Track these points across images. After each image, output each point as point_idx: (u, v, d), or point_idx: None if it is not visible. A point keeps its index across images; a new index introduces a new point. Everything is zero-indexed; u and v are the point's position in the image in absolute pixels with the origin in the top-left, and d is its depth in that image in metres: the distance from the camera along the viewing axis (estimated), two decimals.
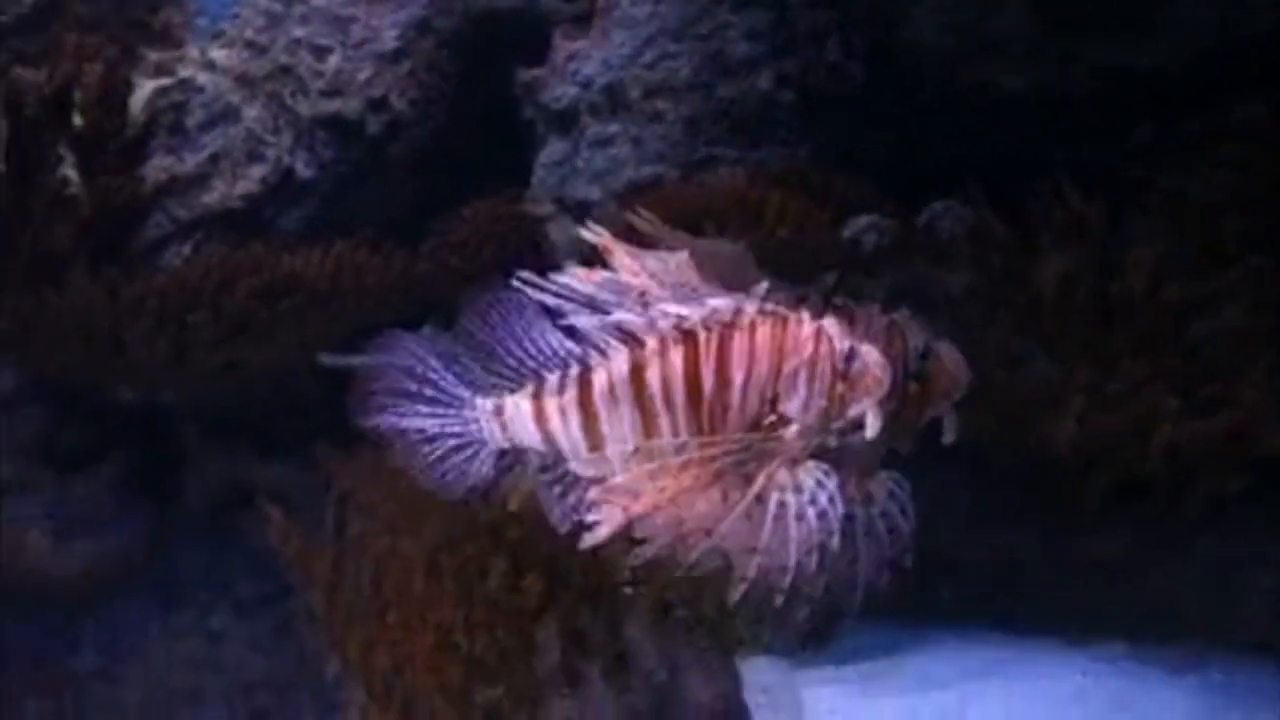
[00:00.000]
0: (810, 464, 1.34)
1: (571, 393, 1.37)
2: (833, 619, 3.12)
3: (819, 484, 1.33)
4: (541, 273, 1.37)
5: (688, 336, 1.33)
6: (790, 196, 2.83)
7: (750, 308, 1.34)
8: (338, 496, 2.20)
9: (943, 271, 3.12)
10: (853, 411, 1.36)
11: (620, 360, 1.35)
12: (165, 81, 3.33)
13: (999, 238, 3.36)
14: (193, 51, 3.38)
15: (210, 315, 2.58)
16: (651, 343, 1.34)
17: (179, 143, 3.25)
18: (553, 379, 1.40)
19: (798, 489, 1.32)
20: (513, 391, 1.44)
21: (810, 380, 1.34)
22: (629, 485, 1.32)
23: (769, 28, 3.22)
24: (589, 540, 1.34)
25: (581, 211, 3.25)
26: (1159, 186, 3.40)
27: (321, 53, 3.26)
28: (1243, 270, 3.20)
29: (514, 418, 1.43)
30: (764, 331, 1.34)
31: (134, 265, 2.96)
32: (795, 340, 1.35)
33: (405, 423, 1.50)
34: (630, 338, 1.36)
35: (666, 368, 1.34)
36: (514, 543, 1.99)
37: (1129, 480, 3.16)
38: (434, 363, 1.50)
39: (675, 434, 1.34)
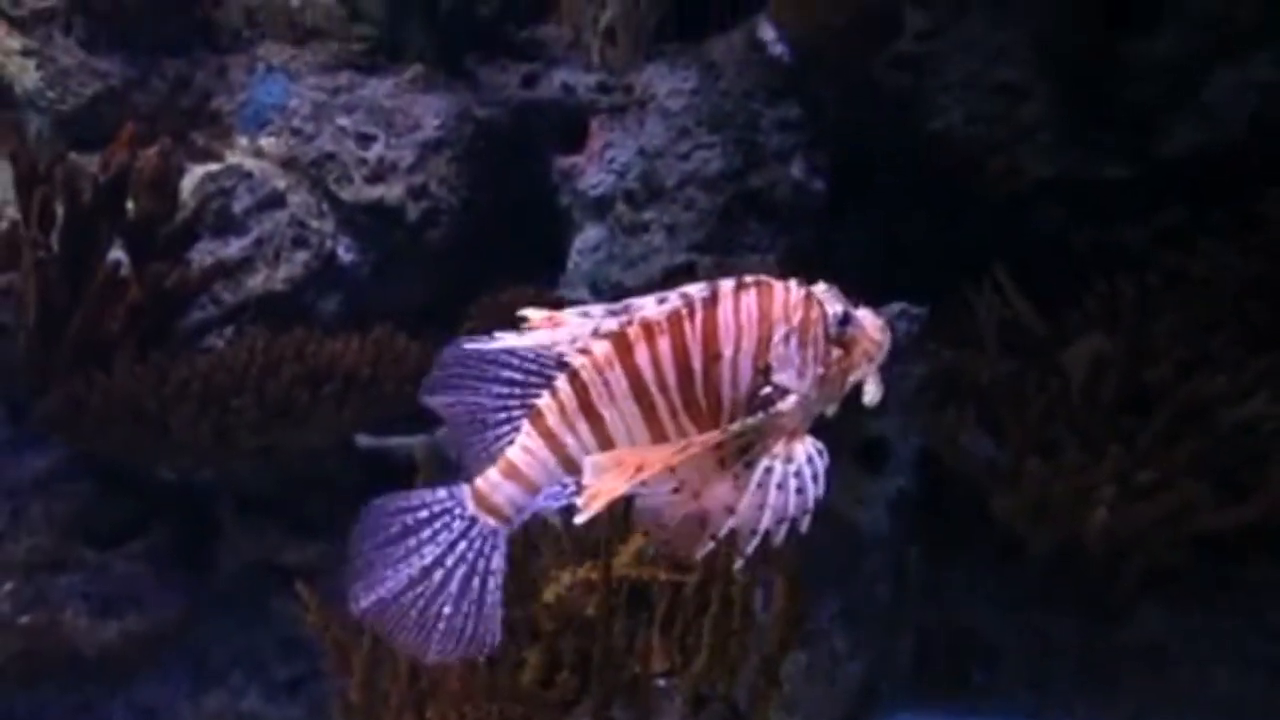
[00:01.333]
0: (809, 439, 1.32)
1: (572, 402, 1.31)
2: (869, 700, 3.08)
3: (809, 459, 1.30)
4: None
5: (671, 318, 1.29)
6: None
7: (727, 284, 1.31)
8: None
9: (973, 359, 3.13)
10: (853, 378, 1.34)
11: (604, 351, 1.29)
12: (214, 167, 3.42)
13: (1028, 323, 3.37)
14: (241, 139, 3.48)
15: (253, 400, 2.62)
16: (633, 330, 1.30)
17: (226, 227, 3.33)
18: (544, 400, 1.33)
19: (788, 459, 1.29)
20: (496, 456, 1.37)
21: (803, 347, 1.31)
22: (627, 459, 1.28)
23: (801, 120, 3.28)
24: (586, 511, 1.27)
25: (617, 297, 3.29)
26: (1189, 272, 3.42)
27: (365, 141, 3.35)
28: (1273, 357, 3.20)
29: (503, 482, 1.35)
30: (748, 300, 1.30)
31: (179, 347, 3.02)
32: (783, 307, 1.31)
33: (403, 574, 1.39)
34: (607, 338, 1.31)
35: (654, 349, 1.29)
36: (548, 635, 1.99)
37: (1161, 567, 3.13)
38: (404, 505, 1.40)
39: (673, 416, 1.31)
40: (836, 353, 1.32)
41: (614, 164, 3.29)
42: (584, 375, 1.31)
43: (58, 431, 2.83)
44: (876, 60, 3.49)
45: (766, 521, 1.29)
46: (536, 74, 3.44)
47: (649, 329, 1.30)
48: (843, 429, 3.11)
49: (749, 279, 1.31)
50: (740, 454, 1.30)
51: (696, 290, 1.30)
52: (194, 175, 3.41)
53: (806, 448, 1.31)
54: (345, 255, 3.40)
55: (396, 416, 2.90)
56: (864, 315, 1.34)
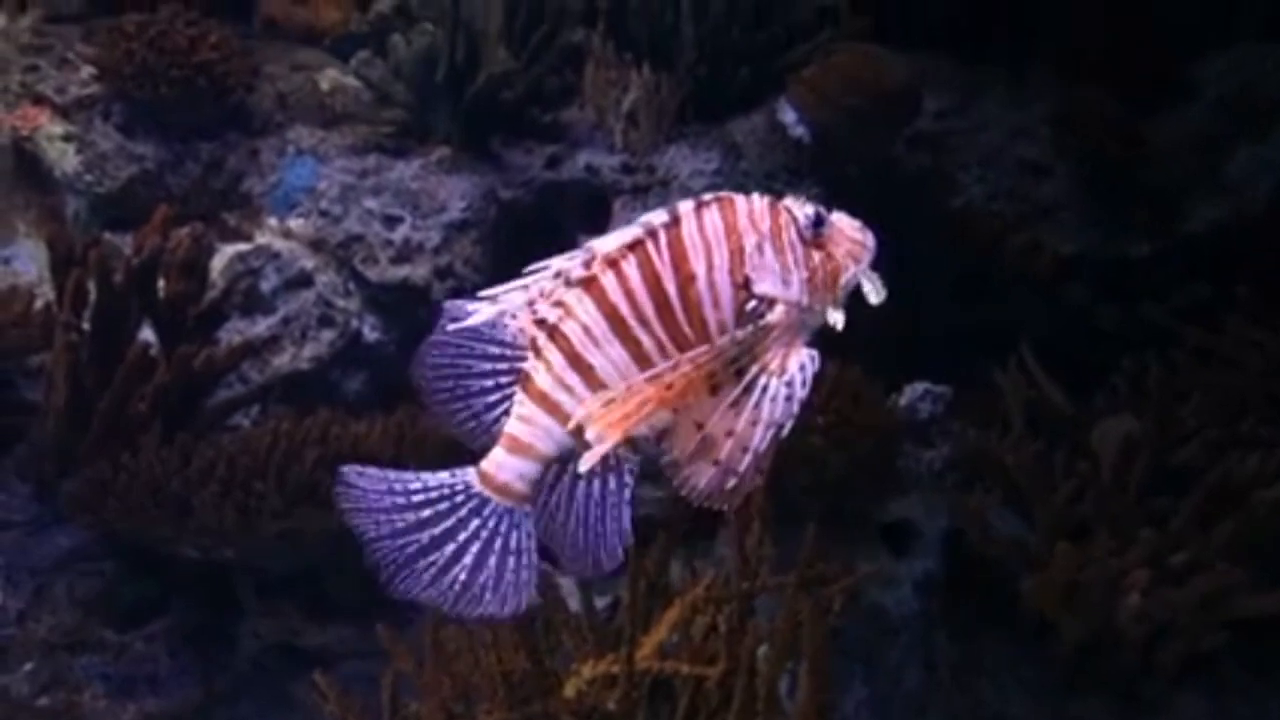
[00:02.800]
0: (804, 350, 1.26)
1: (557, 357, 1.25)
2: None
3: (801, 367, 1.25)
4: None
5: (634, 248, 1.24)
6: (845, 368, 2.81)
7: (686, 204, 1.27)
8: (392, 674, 2.16)
9: (999, 440, 3.07)
10: (845, 281, 1.29)
11: (576, 296, 1.24)
12: (244, 247, 3.45)
13: (1055, 403, 3.32)
14: (271, 220, 3.51)
15: (276, 483, 2.60)
16: (598, 267, 1.25)
17: (254, 306, 3.35)
18: (530, 362, 1.27)
19: (782, 372, 1.24)
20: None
21: (779, 253, 1.26)
22: (625, 398, 1.22)
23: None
24: (591, 455, 1.23)
25: None
26: (1216, 351, 3.36)
27: (392, 222, 3.37)
28: None
29: (508, 458, 1.29)
30: (711, 216, 1.25)
31: (206, 427, 3.01)
32: (749, 216, 1.26)
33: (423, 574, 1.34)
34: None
35: (624, 283, 1.23)
36: None
37: (1199, 653, 3.03)
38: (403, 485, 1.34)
39: (662, 352, 1.25)
40: (818, 255, 1.28)
41: None
42: (563, 327, 1.26)
43: (82, 514, 2.82)
44: (896, 140, 3.50)
45: (758, 438, 1.24)
46: (560, 156, 3.46)
47: (614, 263, 1.25)
48: (867, 511, 3.05)
49: (708, 196, 1.27)
50: (735, 375, 1.24)
51: (655, 216, 1.26)
52: (224, 255, 3.44)
53: (800, 358, 1.26)
54: (370, 334, 3.40)
55: None
56: (839, 217, 1.30)
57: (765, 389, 1.24)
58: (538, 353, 1.27)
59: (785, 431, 1.26)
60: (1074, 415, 3.27)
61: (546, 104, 3.52)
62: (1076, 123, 3.62)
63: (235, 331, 3.29)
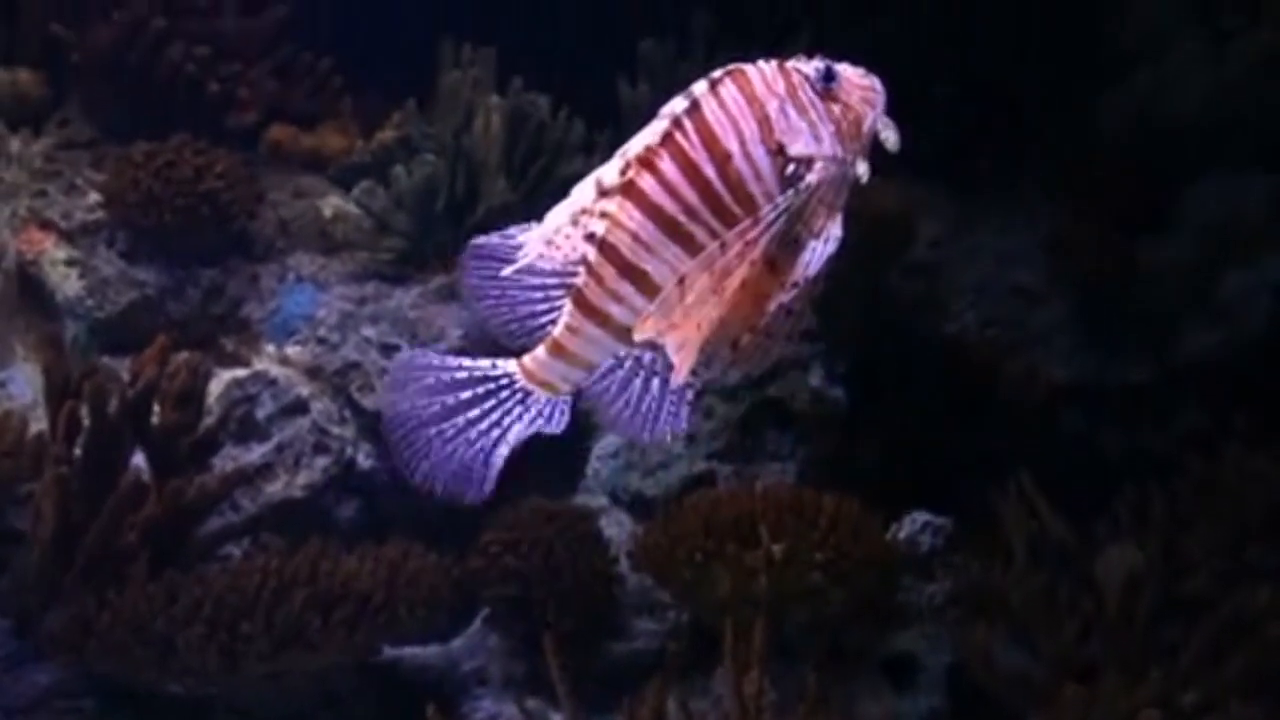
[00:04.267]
0: (838, 221, 1.23)
1: (608, 269, 1.22)
2: None
3: (828, 238, 1.22)
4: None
5: (664, 141, 1.21)
6: (844, 501, 2.75)
7: (699, 85, 1.23)
8: None
9: (1002, 574, 2.99)
10: (866, 126, 1.25)
11: (618, 204, 1.21)
12: (241, 373, 3.42)
13: (1057, 535, 3.24)
14: (269, 346, 3.49)
15: (263, 625, 2.51)
16: (634, 170, 1.21)
17: (249, 433, 3.30)
18: (581, 277, 1.24)
19: (819, 234, 1.22)
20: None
21: (802, 112, 1.23)
22: (688, 308, 1.18)
23: (818, 329, 3.25)
24: (679, 370, 1.19)
25: (636, 505, 3.21)
26: (1218, 480, 3.30)
27: (389, 350, 3.35)
28: None
29: (551, 360, 1.28)
30: (729, 91, 1.22)
31: (195, 557, 2.93)
32: (763, 83, 1.23)
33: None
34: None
35: (663, 179, 1.20)
36: None
37: None
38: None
39: (712, 236, 1.21)
40: (836, 107, 1.25)
41: None
42: (610, 238, 1.23)
43: (63, 652, 2.72)
44: (891, 267, 3.50)
45: (794, 297, 1.23)
46: None
47: (648, 162, 1.22)
48: (867, 646, 2.95)
49: (717, 73, 1.24)
50: (787, 248, 1.20)
51: (674, 104, 1.22)
52: (221, 380, 3.40)
53: (837, 227, 1.23)
54: (365, 462, 3.35)
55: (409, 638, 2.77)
56: (844, 67, 1.27)
57: (805, 249, 1.22)
58: (589, 268, 1.24)
59: (816, 288, 1.23)
60: (1077, 546, 3.19)
61: None
62: (1069, 249, 3.63)
63: (229, 458, 3.23)
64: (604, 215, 1.23)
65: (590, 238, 1.24)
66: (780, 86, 1.24)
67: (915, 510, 3.03)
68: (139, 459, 3.01)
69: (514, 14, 3.94)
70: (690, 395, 1.30)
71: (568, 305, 1.27)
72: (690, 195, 1.22)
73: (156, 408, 3.01)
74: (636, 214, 1.22)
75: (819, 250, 1.22)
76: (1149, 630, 2.96)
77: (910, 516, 3.03)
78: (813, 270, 1.22)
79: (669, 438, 1.33)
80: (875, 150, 1.29)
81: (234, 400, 3.34)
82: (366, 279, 3.53)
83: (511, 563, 2.87)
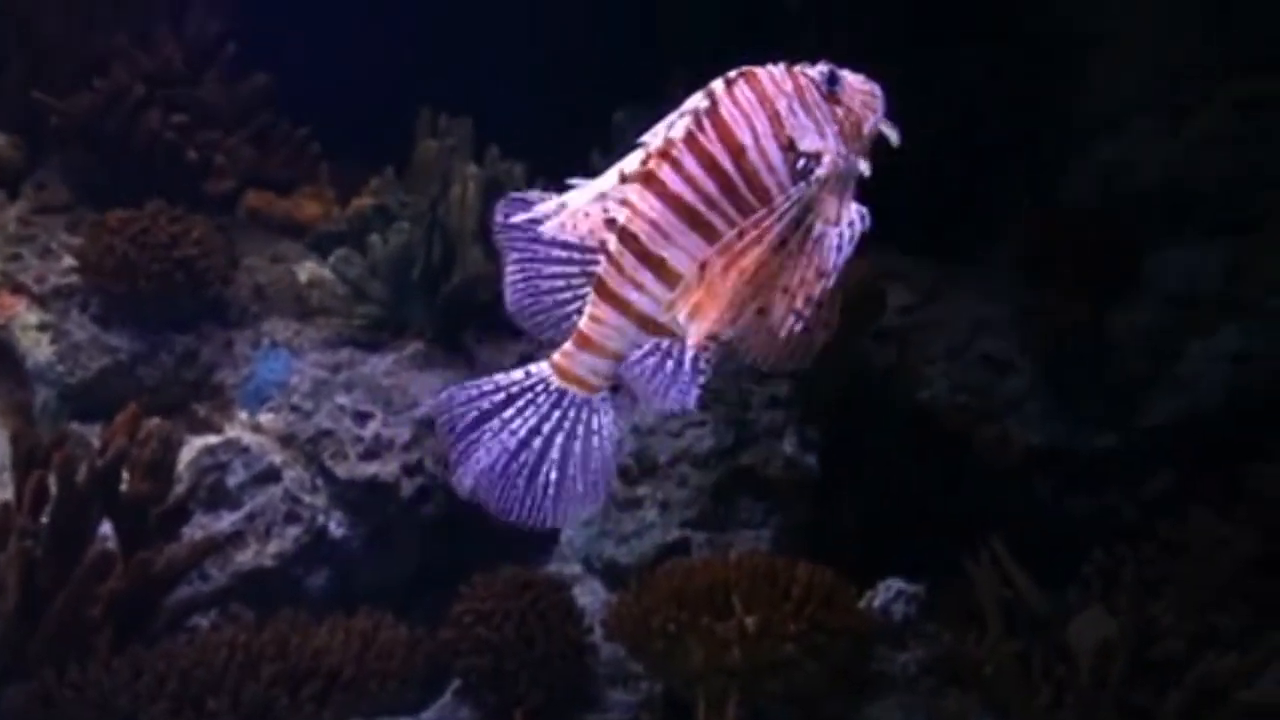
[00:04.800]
0: (854, 204, 1.30)
1: (628, 258, 1.28)
2: None
3: (852, 221, 1.29)
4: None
5: (684, 136, 1.28)
6: (817, 570, 2.75)
7: (716, 84, 1.30)
8: None
9: (975, 642, 2.98)
10: (867, 127, 1.33)
11: (639, 193, 1.27)
12: (213, 440, 3.39)
13: (1029, 601, 3.25)
14: (242, 413, 3.46)
15: (230, 702, 2.46)
16: (654, 162, 1.28)
17: (219, 501, 3.27)
18: (601, 266, 1.29)
19: (838, 221, 1.29)
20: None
21: (809, 110, 1.31)
22: (708, 287, 1.25)
23: (791, 396, 3.27)
24: (696, 342, 1.25)
25: (610, 573, 3.19)
26: (1186, 545, 3.33)
27: (363, 418, 3.33)
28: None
29: (579, 353, 1.33)
30: (742, 90, 1.30)
31: (163, 628, 2.88)
32: (774, 83, 1.31)
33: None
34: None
35: (683, 171, 1.27)
36: None
37: None
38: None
39: (730, 225, 1.28)
40: (839, 109, 1.33)
41: None
42: (630, 226, 1.28)
43: None
44: (863, 335, 3.54)
45: (820, 286, 1.29)
46: (533, 354, 3.46)
47: (668, 155, 1.28)
48: (842, 717, 2.92)
49: (732, 74, 1.31)
50: (803, 234, 1.28)
51: (693, 102, 1.30)
52: (193, 447, 3.37)
53: (852, 211, 1.31)
54: (336, 531, 3.31)
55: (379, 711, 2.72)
56: (846, 73, 1.35)
57: (826, 237, 1.29)
58: (609, 255, 1.30)
59: (836, 278, 1.29)
60: (1049, 612, 3.20)
61: None
62: (1038, 318, 3.69)
63: (199, 526, 3.18)
64: (624, 203, 1.29)
65: (610, 224, 1.30)
66: (789, 87, 1.32)
67: (889, 578, 3.03)
68: (107, 527, 2.97)
69: (491, 83, 4.00)
70: (702, 377, 1.34)
71: (591, 296, 1.32)
72: (708, 185, 1.29)
73: (126, 476, 2.98)
74: (656, 203, 1.29)
75: (846, 235, 1.30)
76: (1121, 696, 2.96)
77: (884, 584, 3.02)
78: (845, 255, 1.30)
79: (680, 407, 1.36)
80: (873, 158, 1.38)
81: (205, 468, 3.30)
82: (341, 346, 3.53)
83: (484, 633, 2.84)
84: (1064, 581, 3.33)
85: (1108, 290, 3.69)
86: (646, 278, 1.29)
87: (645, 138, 1.30)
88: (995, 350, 3.66)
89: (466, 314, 3.52)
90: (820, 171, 1.30)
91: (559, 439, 1.35)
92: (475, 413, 1.37)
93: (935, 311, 3.75)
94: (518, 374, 1.37)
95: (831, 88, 1.33)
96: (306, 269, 3.86)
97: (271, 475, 3.31)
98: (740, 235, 1.26)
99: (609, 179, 1.29)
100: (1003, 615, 3.15)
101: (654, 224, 1.28)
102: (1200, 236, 3.85)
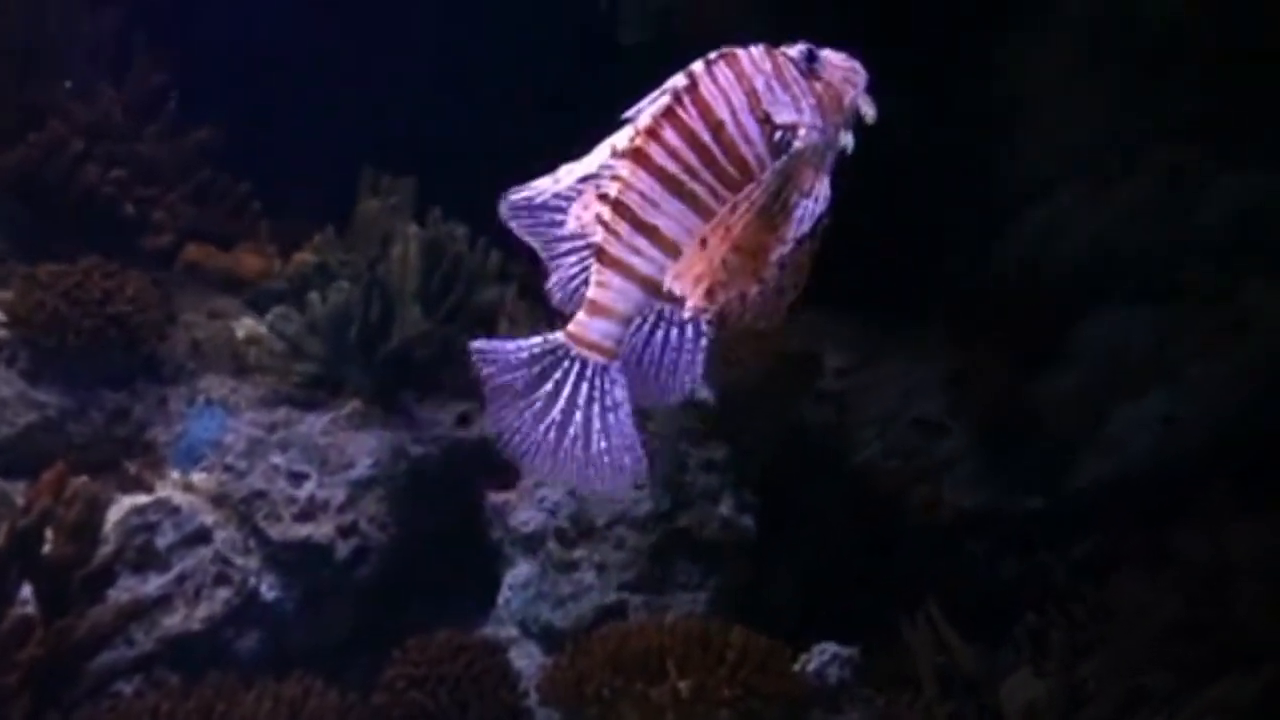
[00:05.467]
0: (825, 182, 1.38)
1: (623, 225, 1.37)
2: None
3: (818, 195, 1.37)
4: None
5: (666, 113, 1.37)
6: (752, 635, 2.75)
7: (696, 65, 1.38)
8: None
9: (910, 706, 3.00)
10: (847, 101, 1.40)
11: (628, 167, 1.37)
12: (142, 499, 3.31)
13: (963, 663, 3.28)
14: (174, 472, 3.40)
15: None
16: (640, 138, 1.37)
17: (147, 563, 3.19)
18: (600, 235, 1.38)
19: (811, 192, 1.37)
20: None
21: (786, 87, 1.39)
22: (705, 257, 1.34)
23: (728, 460, 3.30)
24: (691, 308, 1.35)
25: (546, 637, 3.17)
26: (1114, 606, 3.39)
27: (297, 479, 3.28)
28: (1204, 698, 3.12)
29: (591, 320, 1.39)
30: (721, 70, 1.39)
31: (84, 696, 2.78)
32: (751, 62, 1.40)
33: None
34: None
35: (666, 145, 1.37)
36: None
37: None
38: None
39: (715, 196, 1.37)
40: (819, 85, 1.41)
41: (545, 502, 3.25)
42: (623, 198, 1.38)
43: None
44: (798, 400, 3.58)
45: (789, 249, 1.38)
46: (471, 413, 3.46)
47: (653, 131, 1.38)
48: None
49: (712, 55, 1.41)
50: (781, 204, 1.37)
51: (675, 82, 1.40)
52: (121, 507, 3.29)
53: (826, 184, 1.39)
54: (269, 593, 3.25)
55: None
56: (828, 52, 1.43)
57: (798, 207, 1.39)
58: (606, 226, 1.39)
59: (806, 243, 1.39)
60: (982, 674, 3.23)
61: (459, 363, 3.54)
62: (970, 383, 3.76)
63: (125, 589, 3.10)
64: (615, 178, 1.40)
65: (604, 198, 1.40)
66: (767, 66, 1.42)
67: (823, 642, 3.04)
68: (28, 591, 2.88)
69: (435, 142, 4.02)
70: (704, 341, 1.41)
71: (594, 264, 1.41)
72: (690, 158, 1.39)
73: (50, 537, 2.90)
74: (644, 176, 1.39)
75: (810, 208, 1.40)
76: None
77: (819, 648, 3.03)
78: (806, 226, 1.39)
79: (688, 388, 1.42)
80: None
81: (134, 528, 3.23)
82: (278, 404, 3.48)
83: (418, 698, 2.80)
84: (997, 642, 3.37)
85: (1037, 355, 3.78)
86: (643, 243, 1.40)
87: (631, 113, 1.41)
88: (928, 413, 3.73)
89: (405, 373, 3.50)
90: (797, 144, 1.40)
91: (580, 402, 1.41)
92: (505, 367, 1.43)
93: (869, 375, 3.81)
94: (535, 339, 1.43)
95: (810, 65, 1.43)
96: (244, 325, 3.81)
97: (202, 536, 3.24)
98: (733, 210, 1.37)
99: (602, 153, 1.41)
100: (937, 678, 3.18)
101: (643, 195, 1.39)
102: (1127, 302, 3.96)
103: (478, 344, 1.44)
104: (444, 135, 4.20)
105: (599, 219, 1.39)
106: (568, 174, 1.41)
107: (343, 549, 3.24)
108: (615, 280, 1.40)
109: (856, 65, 1.44)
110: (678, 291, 1.36)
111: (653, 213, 1.38)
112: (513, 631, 3.21)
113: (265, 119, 4.21)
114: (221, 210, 4.20)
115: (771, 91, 1.40)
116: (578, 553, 3.19)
